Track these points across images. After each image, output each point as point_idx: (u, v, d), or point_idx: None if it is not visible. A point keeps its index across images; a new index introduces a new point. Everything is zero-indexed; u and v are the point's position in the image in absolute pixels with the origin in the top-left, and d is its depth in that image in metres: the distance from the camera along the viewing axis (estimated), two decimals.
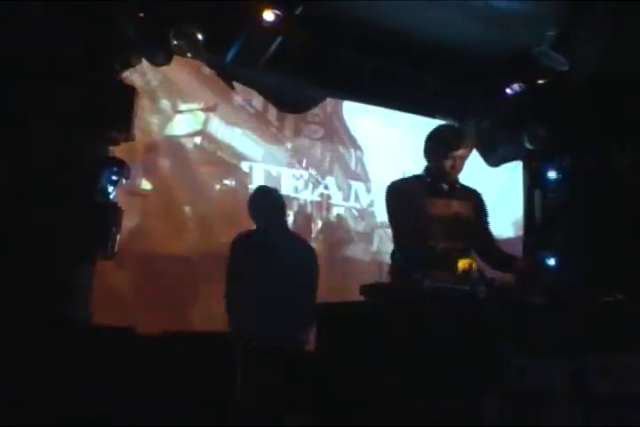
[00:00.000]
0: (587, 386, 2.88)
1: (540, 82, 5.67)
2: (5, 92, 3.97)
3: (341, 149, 6.42)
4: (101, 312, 4.33)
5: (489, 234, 4.02)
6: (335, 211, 6.25)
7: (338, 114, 6.41)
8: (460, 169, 3.85)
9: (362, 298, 3.31)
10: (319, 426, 3.14)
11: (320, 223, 6.13)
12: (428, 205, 3.79)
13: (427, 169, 3.94)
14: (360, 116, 6.47)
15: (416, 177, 3.99)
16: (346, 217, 6.30)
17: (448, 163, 3.79)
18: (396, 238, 3.87)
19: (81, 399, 3.62)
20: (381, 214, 5.99)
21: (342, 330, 3.26)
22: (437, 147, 3.84)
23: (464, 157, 3.83)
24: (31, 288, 3.86)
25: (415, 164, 4.04)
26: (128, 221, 4.81)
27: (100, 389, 3.71)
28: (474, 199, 3.95)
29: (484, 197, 4.03)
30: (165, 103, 5.55)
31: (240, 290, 4.46)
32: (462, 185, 3.95)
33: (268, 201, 4.73)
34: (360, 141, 6.46)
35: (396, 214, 3.87)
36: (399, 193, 3.88)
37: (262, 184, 5.39)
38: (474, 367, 2.77)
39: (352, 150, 6.44)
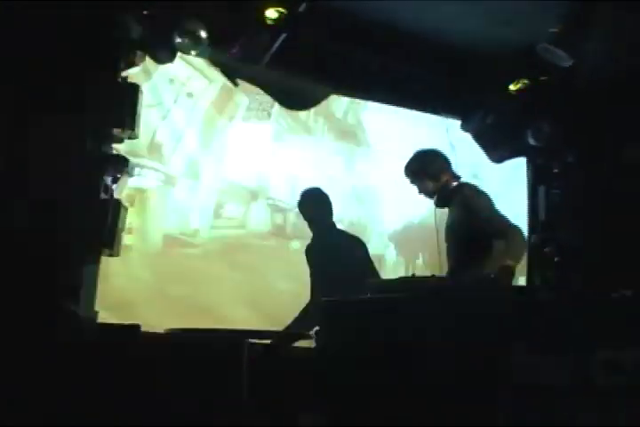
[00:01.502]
0: (591, 381, 2.88)
1: (544, 78, 5.68)
2: (9, 91, 3.98)
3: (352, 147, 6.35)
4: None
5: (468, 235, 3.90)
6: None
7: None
8: (420, 190, 4.06)
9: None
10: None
11: None
12: None
13: None
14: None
15: None
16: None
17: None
18: None
19: (85, 397, 3.63)
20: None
21: (345, 327, 3.26)
22: None
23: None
24: (36, 286, 3.86)
25: None
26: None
27: (105, 387, 3.72)
28: (454, 205, 3.96)
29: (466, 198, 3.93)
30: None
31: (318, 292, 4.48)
32: (442, 196, 4.01)
33: (312, 205, 4.74)
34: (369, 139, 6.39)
35: None
36: None
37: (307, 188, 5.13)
38: (480, 363, 2.78)
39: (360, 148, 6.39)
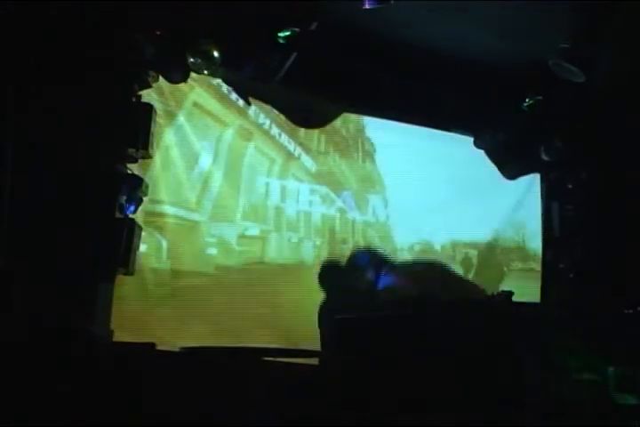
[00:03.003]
0: (607, 399, 2.87)
1: (556, 94, 5.68)
2: (24, 111, 4.02)
3: (357, 161, 6.35)
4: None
5: None
6: (351, 225, 6.19)
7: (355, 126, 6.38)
8: None
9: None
10: None
11: (336, 238, 6.08)
12: None
13: None
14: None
15: None
16: (362, 232, 6.26)
17: None
18: None
19: (101, 415, 3.64)
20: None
21: (357, 342, 3.28)
22: None
23: None
24: (52, 304, 3.89)
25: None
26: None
27: (120, 404, 3.74)
28: None
29: None
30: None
31: None
32: None
33: None
34: (375, 153, 6.40)
35: None
36: None
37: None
38: (492, 379, 2.78)
39: (366, 162, 6.39)
